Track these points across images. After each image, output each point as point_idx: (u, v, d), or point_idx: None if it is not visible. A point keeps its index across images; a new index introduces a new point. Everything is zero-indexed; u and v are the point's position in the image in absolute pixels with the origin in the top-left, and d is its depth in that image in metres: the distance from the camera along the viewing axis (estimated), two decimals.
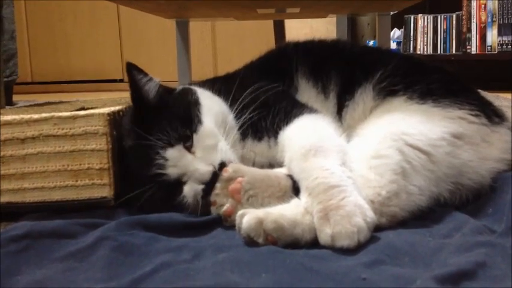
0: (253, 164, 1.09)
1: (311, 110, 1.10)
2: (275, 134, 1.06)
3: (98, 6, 4.87)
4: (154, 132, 0.99)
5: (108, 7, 4.83)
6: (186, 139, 1.00)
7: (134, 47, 4.92)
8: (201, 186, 0.97)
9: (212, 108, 1.07)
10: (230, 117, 1.10)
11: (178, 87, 1.16)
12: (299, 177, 0.93)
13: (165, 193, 0.99)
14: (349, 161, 0.94)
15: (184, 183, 0.99)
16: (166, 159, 0.98)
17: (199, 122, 1.03)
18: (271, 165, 1.07)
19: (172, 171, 0.98)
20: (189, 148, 1.00)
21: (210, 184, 0.97)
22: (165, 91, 1.10)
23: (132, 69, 1.04)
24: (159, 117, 1.02)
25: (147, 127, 1.00)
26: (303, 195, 0.89)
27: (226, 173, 0.97)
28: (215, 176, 0.97)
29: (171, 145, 0.99)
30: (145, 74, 1.06)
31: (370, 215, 0.84)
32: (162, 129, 1.00)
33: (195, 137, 1.01)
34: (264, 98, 1.11)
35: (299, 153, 0.94)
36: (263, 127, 1.08)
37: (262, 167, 1.07)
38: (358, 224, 0.81)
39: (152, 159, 0.98)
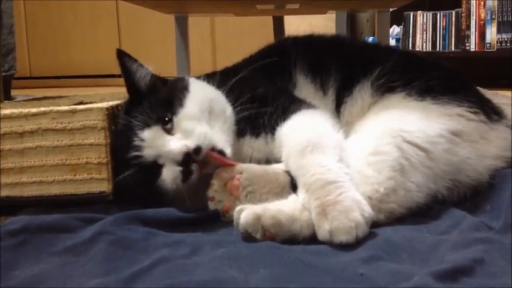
0: (251, 160, 1.08)
1: (309, 106, 1.10)
2: (272, 129, 1.06)
3: (97, 1, 4.85)
4: (135, 115, 0.99)
5: (108, 2, 4.81)
6: (165, 121, 0.99)
7: (133, 42, 4.91)
8: (179, 168, 0.95)
9: (199, 94, 1.06)
10: (225, 107, 1.08)
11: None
12: (296, 173, 0.92)
13: (144, 177, 0.98)
14: (346, 157, 0.94)
15: (162, 166, 0.97)
16: (142, 140, 0.97)
17: (181, 105, 1.01)
18: (268, 161, 1.07)
19: (148, 153, 0.97)
20: (168, 131, 0.99)
21: (186, 166, 0.95)
22: (159, 81, 1.10)
23: (123, 56, 1.04)
24: (145, 102, 1.03)
25: (132, 111, 1.01)
26: (301, 191, 0.89)
27: (224, 173, 0.96)
28: (188, 157, 0.94)
29: (148, 125, 0.98)
30: (135, 61, 1.06)
31: (368, 210, 0.84)
32: (143, 111, 1.00)
33: (175, 119, 0.99)
34: (263, 94, 1.11)
35: (296, 149, 0.93)
36: (261, 123, 1.08)
37: (259, 162, 1.07)
38: (356, 219, 0.81)
39: (131, 141, 0.98)
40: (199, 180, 0.97)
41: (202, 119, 1.01)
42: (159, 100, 1.03)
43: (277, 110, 1.07)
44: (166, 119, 0.99)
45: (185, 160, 0.94)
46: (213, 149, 0.97)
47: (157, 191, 0.98)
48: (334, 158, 0.91)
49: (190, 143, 0.95)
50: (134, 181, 0.98)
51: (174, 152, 0.95)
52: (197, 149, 0.95)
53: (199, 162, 0.96)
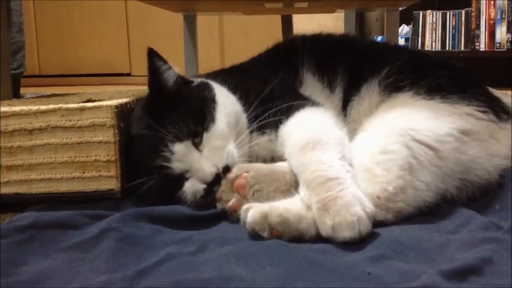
0: (257, 157, 1.08)
1: (313, 103, 1.10)
2: (276, 127, 1.06)
3: (106, 0, 4.86)
4: (165, 124, 0.99)
5: (116, 1, 4.83)
6: (195, 136, 0.99)
7: (142, 40, 4.92)
8: (203, 186, 0.97)
9: (227, 108, 1.06)
10: (243, 117, 1.09)
11: (196, 80, 1.15)
12: (297, 170, 0.92)
13: (166, 186, 0.98)
14: (348, 154, 0.94)
15: (186, 179, 0.99)
16: (172, 153, 0.97)
17: (212, 120, 1.02)
18: (273, 159, 1.07)
19: (177, 166, 0.98)
20: (197, 145, 0.99)
21: (211, 185, 0.97)
22: (183, 82, 1.09)
23: (153, 55, 1.04)
24: (173, 109, 1.02)
25: (159, 117, 1.00)
26: (301, 188, 0.89)
27: (231, 174, 0.97)
28: (218, 178, 0.97)
29: (180, 140, 0.98)
30: (165, 62, 1.06)
31: (369, 206, 0.84)
32: (173, 122, 0.99)
33: (205, 135, 1.00)
34: (269, 92, 1.11)
35: (297, 146, 0.93)
36: (266, 120, 1.08)
37: (265, 160, 1.07)
38: (358, 214, 0.81)
39: (159, 150, 0.98)
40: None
41: (230, 136, 1.02)
42: (189, 111, 1.02)
43: (281, 108, 1.07)
44: (197, 133, 1.00)
45: (214, 181, 0.97)
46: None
47: (174, 199, 0.99)
48: (335, 156, 0.91)
49: (219, 163, 0.97)
50: (154, 188, 0.99)
51: (205, 172, 0.97)
52: (225, 169, 0.97)
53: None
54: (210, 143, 1.00)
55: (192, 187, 0.98)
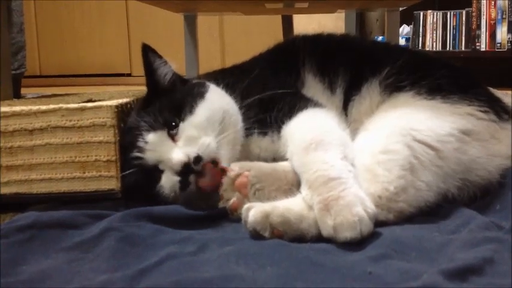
0: (258, 159, 1.08)
1: (316, 104, 1.10)
2: (278, 128, 1.05)
3: (107, 0, 4.86)
4: (144, 116, 0.99)
5: (117, 1, 4.83)
6: (171, 126, 0.98)
7: (143, 40, 4.91)
8: (177, 178, 0.95)
9: (214, 104, 1.04)
10: (234, 116, 1.06)
11: (194, 79, 1.14)
12: (299, 170, 0.92)
13: (146, 181, 0.98)
14: (351, 154, 0.94)
15: (161, 171, 0.97)
16: (146, 143, 0.97)
17: (191, 112, 1.00)
18: (275, 160, 1.07)
19: (149, 156, 0.97)
20: (173, 136, 0.98)
21: (185, 176, 0.94)
22: (180, 80, 1.09)
23: (147, 51, 1.04)
24: (158, 102, 1.02)
25: (144, 111, 1.01)
26: (303, 188, 0.89)
27: (233, 171, 0.96)
28: (188, 168, 0.94)
29: (154, 129, 0.97)
30: (160, 57, 1.05)
31: (371, 206, 0.83)
32: (151, 112, 0.99)
33: (181, 126, 0.98)
34: (271, 94, 1.11)
35: (300, 147, 0.93)
36: (268, 122, 1.07)
37: (266, 162, 1.07)
38: (359, 214, 0.81)
39: (136, 141, 0.98)
40: (197, 191, 0.96)
41: (210, 130, 0.99)
42: (170, 103, 1.02)
43: (283, 109, 1.07)
44: (173, 124, 0.98)
45: (183, 171, 0.94)
46: (214, 161, 0.96)
47: (156, 195, 0.98)
48: (338, 156, 0.90)
49: (191, 152, 0.94)
50: (134, 181, 0.98)
51: (173, 161, 0.94)
52: (197, 159, 0.94)
53: (197, 173, 0.95)
54: (185, 134, 0.98)
55: (167, 181, 0.96)
